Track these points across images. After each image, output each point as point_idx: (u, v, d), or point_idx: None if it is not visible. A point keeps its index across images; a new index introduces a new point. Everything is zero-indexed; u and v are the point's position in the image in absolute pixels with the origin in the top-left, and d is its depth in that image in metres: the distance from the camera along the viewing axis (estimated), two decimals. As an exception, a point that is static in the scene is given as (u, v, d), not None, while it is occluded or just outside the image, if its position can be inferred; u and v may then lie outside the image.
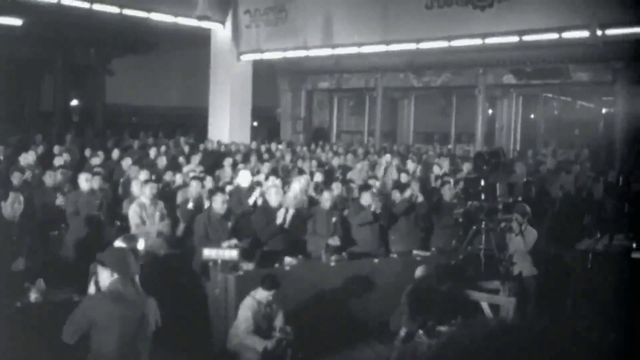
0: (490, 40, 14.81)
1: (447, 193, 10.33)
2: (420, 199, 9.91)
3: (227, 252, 7.63)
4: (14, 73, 27.38)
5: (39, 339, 5.98)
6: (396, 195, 10.29)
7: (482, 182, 8.49)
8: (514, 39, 14.40)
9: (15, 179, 10.04)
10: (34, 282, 6.24)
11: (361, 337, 7.98)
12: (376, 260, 8.89)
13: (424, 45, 15.91)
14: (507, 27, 14.29)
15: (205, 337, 7.76)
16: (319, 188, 10.74)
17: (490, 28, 14.51)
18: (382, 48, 16.74)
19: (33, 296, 6.11)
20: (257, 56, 19.35)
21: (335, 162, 15.05)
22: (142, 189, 9.09)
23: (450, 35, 15.18)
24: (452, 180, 11.05)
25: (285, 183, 10.70)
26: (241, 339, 6.79)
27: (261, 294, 6.85)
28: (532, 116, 23.80)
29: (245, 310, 6.79)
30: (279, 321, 6.95)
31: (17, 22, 20.17)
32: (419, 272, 7.99)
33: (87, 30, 21.80)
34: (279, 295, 6.95)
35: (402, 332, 7.82)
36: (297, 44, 18.15)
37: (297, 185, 10.19)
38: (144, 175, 10.43)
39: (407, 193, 10.03)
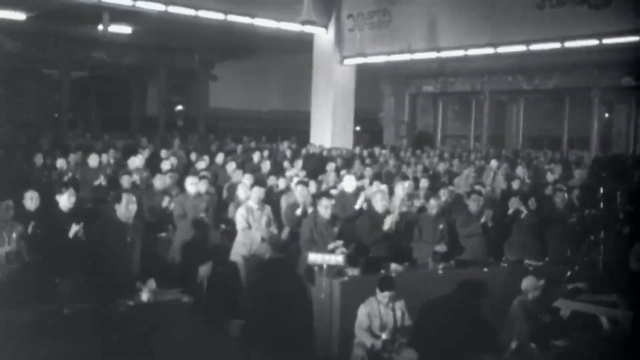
0: (608, 41, 14.11)
1: (560, 201, 9.90)
2: (522, 210, 9.49)
3: (333, 257, 7.54)
4: (122, 79, 28.51)
5: (151, 336, 6.11)
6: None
7: (601, 190, 8.10)
8: (634, 38, 13.64)
9: (125, 182, 10.30)
10: (145, 282, 6.33)
11: (469, 348, 7.66)
12: (486, 269, 8.55)
13: (535, 47, 15.32)
14: (625, 26, 13.55)
15: (309, 341, 7.68)
16: (424, 194, 10.51)
17: (607, 28, 13.79)
18: (489, 50, 16.27)
19: (145, 296, 6.20)
20: (360, 60, 19.25)
21: (441, 167, 14.79)
22: (249, 193, 9.10)
23: (564, 35, 14.57)
24: (565, 188, 10.57)
25: (389, 188, 10.52)
26: (356, 335, 6.82)
27: (380, 295, 6.84)
28: (653, 120, 22.54)
29: (363, 308, 6.82)
30: (398, 322, 6.88)
31: (126, 29, 20.97)
32: (526, 283, 7.63)
33: (192, 36, 22.36)
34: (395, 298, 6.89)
35: (513, 345, 7.50)
36: (401, 47, 17.90)
37: (401, 190, 10.01)
38: (249, 179, 10.46)
39: (510, 211, 9.67)
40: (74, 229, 7.01)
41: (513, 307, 7.55)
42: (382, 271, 7.92)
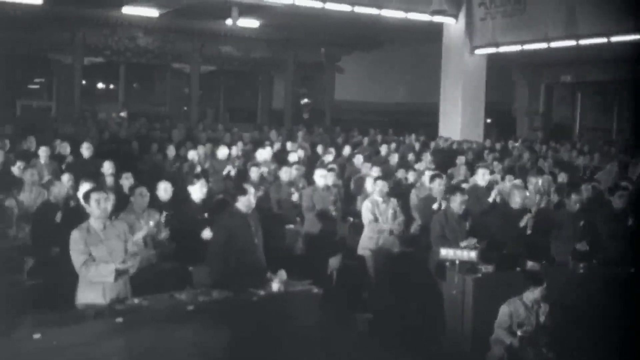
0: None
1: None
2: None
3: (466, 252, 7.31)
4: (250, 73, 29.12)
5: (281, 326, 6.12)
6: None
7: None
8: None
9: (254, 174, 10.42)
10: (276, 273, 6.33)
11: (611, 351, 7.15)
12: (632, 269, 7.98)
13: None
14: None
15: (439, 339, 7.51)
16: (563, 189, 9.97)
17: None
18: (635, 37, 15.21)
19: (276, 286, 6.21)
20: (492, 50, 18.63)
21: (580, 161, 14.05)
22: (374, 186, 8.97)
23: None
24: None
25: (524, 183, 10.09)
26: (495, 333, 6.61)
27: (528, 295, 6.55)
28: None
29: (505, 307, 6.59)
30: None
31: (254, 23, 21.35)
32: None
33: (318, 29, 22.45)
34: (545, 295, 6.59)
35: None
36: (536, 35, 17.16)
37: (537, 185, 9.60)
38: (376, 172, 10.32)
39: None
40: (206, 234, 7.10)
41: None
42: (517, 269, 7.56)
